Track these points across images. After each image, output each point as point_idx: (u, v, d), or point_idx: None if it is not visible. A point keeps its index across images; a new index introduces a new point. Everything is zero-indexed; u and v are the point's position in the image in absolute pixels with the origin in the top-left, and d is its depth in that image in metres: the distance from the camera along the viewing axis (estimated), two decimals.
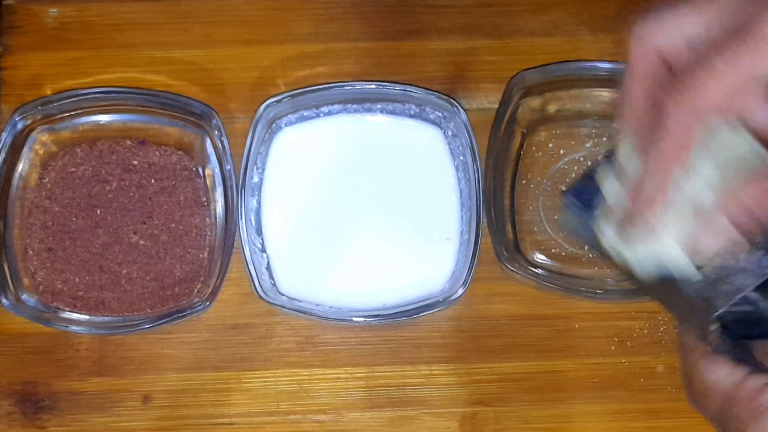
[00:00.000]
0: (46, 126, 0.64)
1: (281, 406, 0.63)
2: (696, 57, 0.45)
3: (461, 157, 0.64)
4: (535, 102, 0.65)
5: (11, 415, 0.63)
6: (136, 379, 0.63)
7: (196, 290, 0.64)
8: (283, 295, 0.63)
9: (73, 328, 0.62)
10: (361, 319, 0.62)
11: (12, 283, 0.62)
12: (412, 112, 0.65)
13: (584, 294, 0.62)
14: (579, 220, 0.54)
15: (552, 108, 0.66)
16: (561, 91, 0.65)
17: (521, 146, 0.65)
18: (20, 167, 0.64)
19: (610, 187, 0.52)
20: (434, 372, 0.64)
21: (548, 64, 0.64)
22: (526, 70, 0.64)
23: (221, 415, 0.63)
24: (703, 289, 0.51)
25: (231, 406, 0.63)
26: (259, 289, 0.61)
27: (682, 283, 0.51)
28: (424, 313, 0.61)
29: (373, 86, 0.64)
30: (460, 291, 0.61)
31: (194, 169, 0.65)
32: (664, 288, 0.53)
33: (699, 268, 0.51)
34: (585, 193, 0.53)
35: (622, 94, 0.50)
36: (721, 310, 0.50)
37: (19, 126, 0.63)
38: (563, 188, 0.61)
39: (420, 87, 0.63)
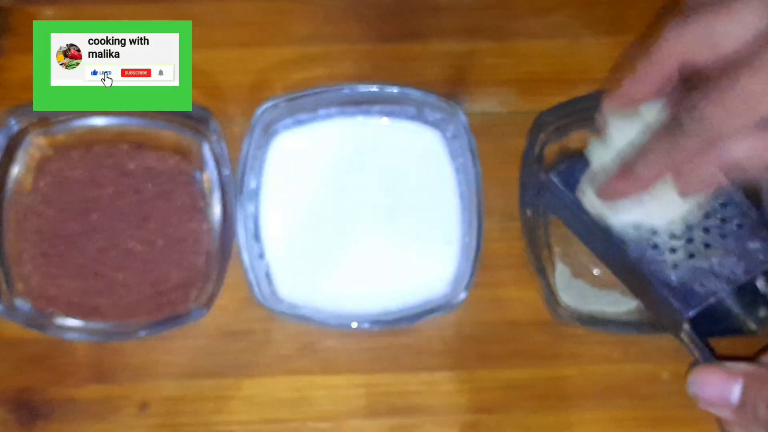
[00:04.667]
0: (41, 129, 0.62)
1: (280, 413, 0.61)
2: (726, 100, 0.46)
3: (461, 160, 0.62)
4: (555, 145, 0.63)
5: (7, 422, 0.60)
6: (134, 386, 0.61)
7: (192, 296, 0.61)
8: (282, 301, 0.60)
9: (68, 334, 0.60)
10: (363, 324, 0.59)
11: (6, 288, 0.60)
12: (410, 114, 0.63)
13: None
14: (560, 200, 0.58)
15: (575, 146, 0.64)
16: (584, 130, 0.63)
17: None
18: (15, 171, 0.62)
19: (598, 158, 0.55)
20: (436, 379, 0.61)
21: (567, 102, 0.62)
22: (544, 112, 0.62)
23: (219, 422, 0.61)
24: (677, 290, 0.54)
25: (229, 414, 0.61)
26: (258, 296, 0.58)
27: (658, 285, 0.54)
28: (426, 318, 0.59)
29: (371, 88, 0.62)
30: (462, 295, 0.58)
31: (191, 173, 0.62)
32: (642, 288, 0.56)
33: (673, 251, 0.55)
34: (567, 175, 0.57)
35: (629, 73, 0.52)
36: (693, 312, 0.53)
37: (14, 129, 0.61)
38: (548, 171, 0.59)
39: (418, 89, 0.61)
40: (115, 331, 0.60)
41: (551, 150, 0.63)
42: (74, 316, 0.60)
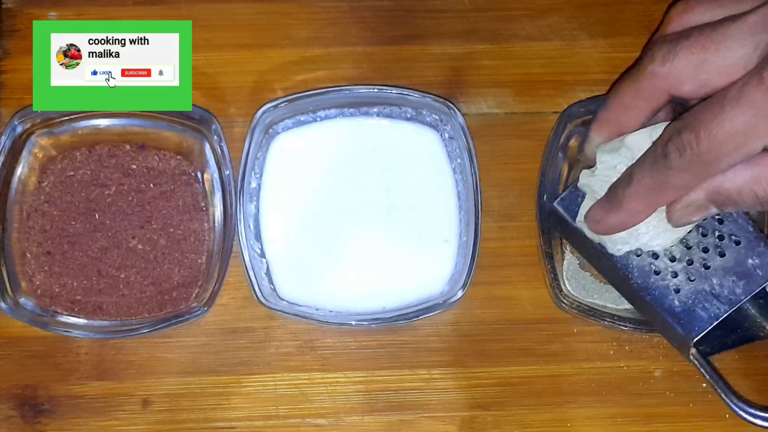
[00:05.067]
0: (45, 130, 0.62)
1: (281, 410, 0.61)
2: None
3: (458, 160, 0.62)
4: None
5: (11, 418, 0.60)
6: (136, 383, 0.61)
7: (194, 295, 0.61)
8: (282, 299, 0.60)
9: (71, 332, 0.60)
10: (361, 322, 0.59)
11: (10, 286, 0.59)
12: (408, 116, 0.63)
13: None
14: (565, 226, 0.57)
15: None
16: None
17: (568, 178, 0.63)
18: (19, 171, 0.61)
19: (590, 190, 0.55)
20: (433, 376, 0.61)
21: (597, 97, 0.62)
22: (575, 104, 0.62)
23: (221, 419, 0.61)
24: (681, 314, 0.53)
25: (230, 410, 0.61)
26: (259, 295, 0.58)
27: (662, 312, 0.54)
28: (424, 316, 0.59)
29: (370, 90, 0.62)
30: (460, 293, 0.58)
31: (193, 173, 0.62)
32: (649, 312, 0.55)
33: (675, 275, 0.54)
34: (569, 202, 0.56)
35: (617, 103, 0.52)
36: (698, 336, 0.53)
37: (18, 130, 0.61)
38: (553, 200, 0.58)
39: (416, 90, 0.61)
40: (117, 328, 0.60)
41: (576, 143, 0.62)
42: (77, 314, 0.60)
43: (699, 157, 0.46)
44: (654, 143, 0.49)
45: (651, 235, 0.53)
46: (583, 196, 0.55)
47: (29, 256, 0.61)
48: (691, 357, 0.54)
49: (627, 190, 0.51)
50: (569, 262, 0.62)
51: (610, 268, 0.56)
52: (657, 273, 0.54)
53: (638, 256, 0.54)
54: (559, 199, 0.57)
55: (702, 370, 0.54)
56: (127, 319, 0.60)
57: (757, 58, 0.45)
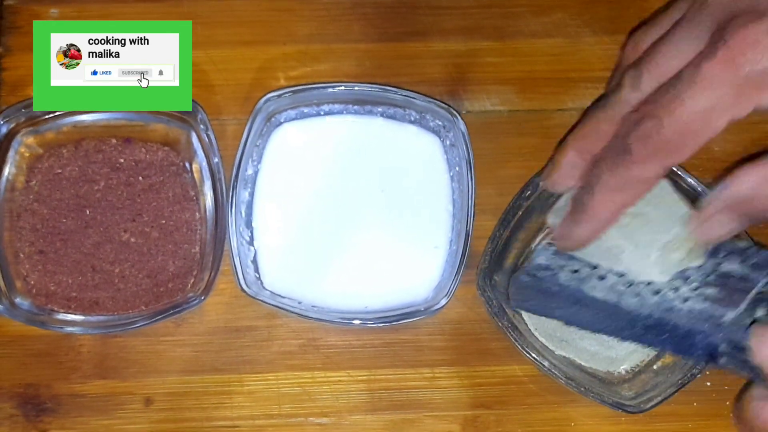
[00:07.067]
0: (30, 128, 0.61)
1: (283, 408, 0.60)
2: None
3: (457, 168, 0.60)
4: None
5: (13, 417, 0.59)
6: (138, 381, 0.60)
7: (189, 285, 0.60)
8: (266, 289, 0.59)
9: (69, 329, 0.59)
10: (343, 320, 0.58)
11: (5, 287, 0.59)
12: (412, 119, 0.62)
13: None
14: (538, 291, 0.53)
15: None
16: None
17: None
18: (6, 171, 0.60)
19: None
20: (436, 375, 0.60)
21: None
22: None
23: (223, 417, 0.60)
24: (698, 318, 0.50)
25: (233, 409, 0.60)
26: (242, 281, 0.57)
27: (679, 321, 0.50)
28: (405, 321, 0.58)
29: (376, 89, 0.60)
30: (443, 302, 0.57)
31: (181, 164, 0.61)
32: (658, 334, 0.51)
33: (676, 289, 0.51)
34: (534, 268, 0.53)
35: (593, 130, 0.50)
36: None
37: (3, 130, 0.60)
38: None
39: (422, 94, 0.60)
40: (115, 323, 0.59)
41: None
42: (74, 311, 0.60)
43: (666, 144, 0.44)
44: (611, 141, 0.47)
45: (632, 258, 0.51)
46: (547, 255, 0.53)
47: (22, 255, 0.60)
48: (722, 358, 0.49)
49: (592, 197, 0.48)
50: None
51: (602, 309, 0.52)
52: (657, 293, 0.51)
53: (629, 286, 0.51)
54: (522, 272, 0.54)
55: (734, 365, 0.49)
56: (124, 313, 0.60)
57: (708, 39, 0.44)
